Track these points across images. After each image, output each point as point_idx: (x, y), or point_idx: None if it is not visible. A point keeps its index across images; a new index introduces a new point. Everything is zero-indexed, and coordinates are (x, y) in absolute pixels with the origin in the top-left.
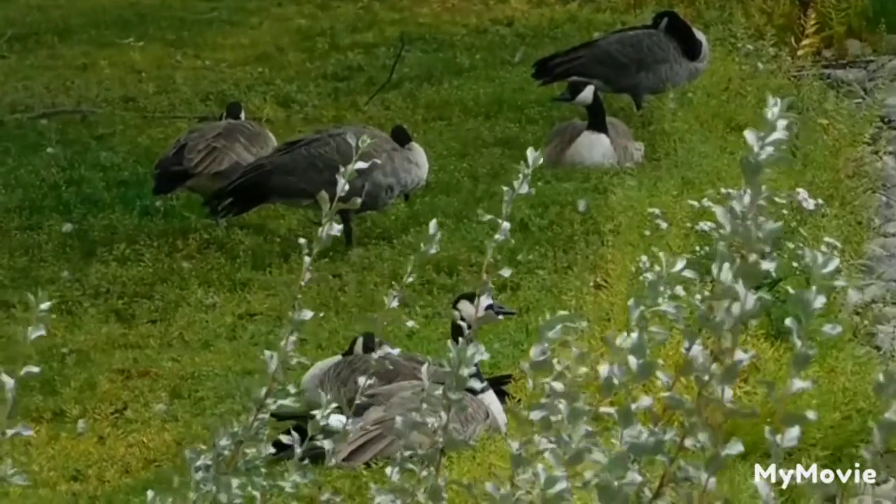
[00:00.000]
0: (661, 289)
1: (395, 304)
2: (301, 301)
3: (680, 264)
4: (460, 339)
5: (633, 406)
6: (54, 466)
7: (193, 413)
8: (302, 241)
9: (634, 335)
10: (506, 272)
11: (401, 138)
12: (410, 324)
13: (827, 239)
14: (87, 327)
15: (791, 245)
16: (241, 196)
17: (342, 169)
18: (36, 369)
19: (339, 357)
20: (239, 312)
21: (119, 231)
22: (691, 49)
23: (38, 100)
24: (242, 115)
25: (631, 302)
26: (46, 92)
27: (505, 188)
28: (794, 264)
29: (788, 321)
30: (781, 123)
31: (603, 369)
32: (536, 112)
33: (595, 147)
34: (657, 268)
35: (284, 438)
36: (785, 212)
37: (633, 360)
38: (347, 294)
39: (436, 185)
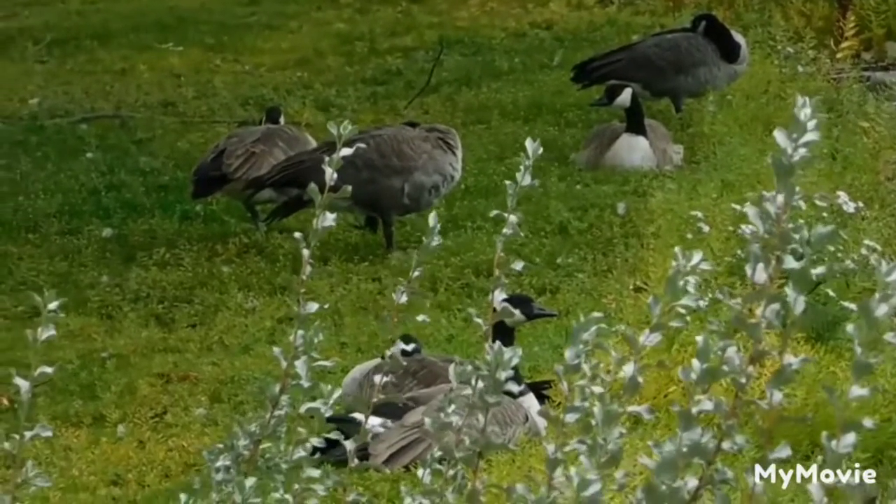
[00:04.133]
0: (681, 283)
1: (403, 299)
2: (304, 295)
3: (696, 257)
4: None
5: (695, 410)
6: (94, 471)
7: (233, 417)
8: (297, 235)
9: (656, 334)
10: (518, 265)
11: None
12: (421, 318)
13: (867, 241)
14: (126, 332)
15: (831, 248)
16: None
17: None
18: (49, 369)
19: (378, 360)
20: (278, 316)
21: (159, 236)
22: (730, 52)
23: (77, 105)
24: (282, 120)
25: (651, 299)
26: (86, 97)
27: (507, 182)
28: (835, 267)
29: (850, 328)
30: (812, 124)
31: (627, 368)
32: (575, 115)
33: (634, 150)
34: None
35: (315, 441)
36: (825, 214)
37: (696, 364)
38: (386, 297)
39: (475, 189)
